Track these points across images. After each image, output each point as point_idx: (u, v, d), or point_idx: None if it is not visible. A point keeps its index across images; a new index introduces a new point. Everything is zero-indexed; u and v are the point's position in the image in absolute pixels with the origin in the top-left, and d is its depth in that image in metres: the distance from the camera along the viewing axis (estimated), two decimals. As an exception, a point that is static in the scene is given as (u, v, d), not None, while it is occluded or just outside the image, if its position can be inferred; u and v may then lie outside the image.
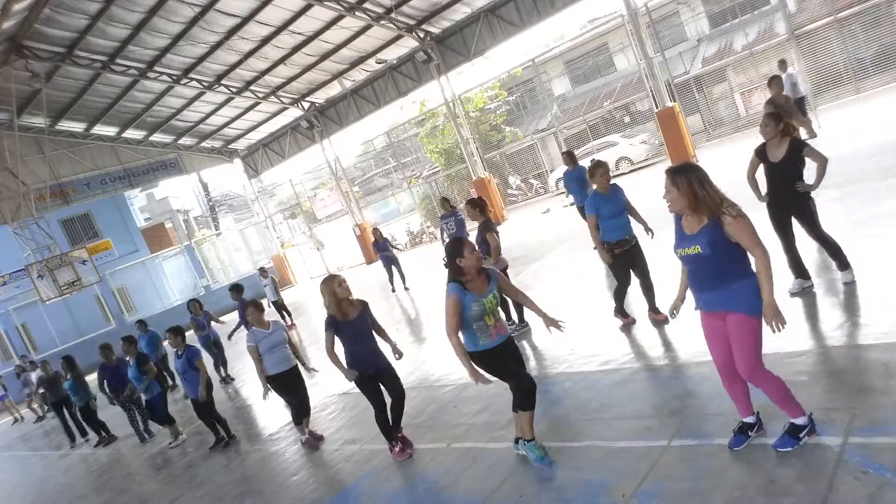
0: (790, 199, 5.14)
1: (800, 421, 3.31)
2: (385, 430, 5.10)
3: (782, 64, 13.87)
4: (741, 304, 3.25)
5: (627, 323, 6.17)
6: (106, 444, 9.94)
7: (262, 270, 15.86)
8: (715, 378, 4.42)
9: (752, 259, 3.24)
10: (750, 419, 3.57)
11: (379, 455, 5.29)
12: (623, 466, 3.77)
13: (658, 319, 5.91)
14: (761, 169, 5.27)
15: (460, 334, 4.08)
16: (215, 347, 11.13)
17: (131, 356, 8.43)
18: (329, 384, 7.87)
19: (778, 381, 3.31)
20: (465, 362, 4.00)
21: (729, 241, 3.19)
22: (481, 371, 4.08)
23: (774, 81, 7.61)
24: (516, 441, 4.34)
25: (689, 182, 3.20)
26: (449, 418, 5.52)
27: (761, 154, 5.19)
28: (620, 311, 6.20)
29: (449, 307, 4.00)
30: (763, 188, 5.31)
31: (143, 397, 8.51)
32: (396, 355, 5.19)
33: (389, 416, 5.11)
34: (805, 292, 5.28)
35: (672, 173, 3.29)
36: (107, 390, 9.28)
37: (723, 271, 3.25)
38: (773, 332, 3.20)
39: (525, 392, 4.07)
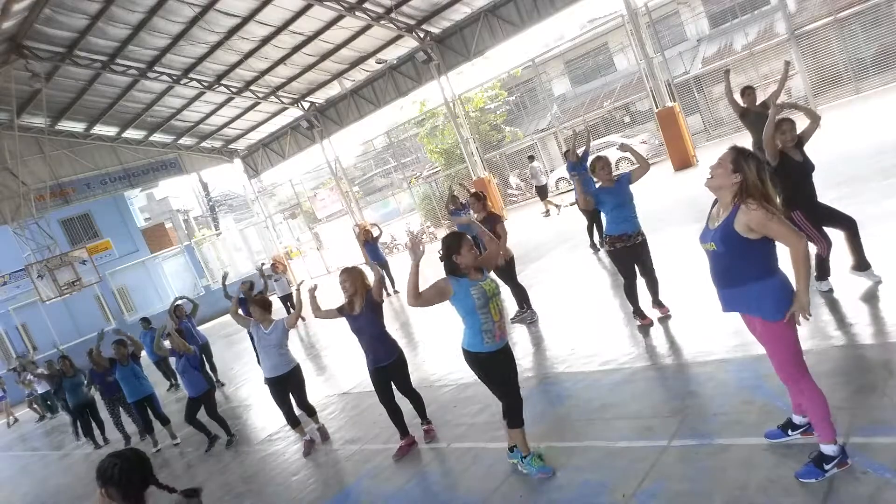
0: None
1: (828, 450, 3.00)
2: (397, 424, 5.14)
3: (531, 158, 14.41)
4: (760, 307, 3.01)
5: (645, 324, 5.95)
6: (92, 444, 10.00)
7: (274, 266, 15.79)
8: (715, 378, 4.44)
9: (779, 256, 3.00)
10: (799, 419, 3.35)
11: (379, 455, 5.29)
12: (623, 466, 3.76)
13: (662, 313, 5.98)
14: None
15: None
16: (204, 353, 10.61)
17: (122, 360, 8.28)
18: (329, 384, 7.87)
19: (818, 396, 3.04)
20: (414, 273, 3.87)
21: (744, 239, 2.95)
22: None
23: (747, 92, 7.70)
24: (510, 449, 4.26)
25: (745, 167, 2.93)
26: (449, 418, 5.51)
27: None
28: (638, 311, 6.01)
29: (434, 284, 3.90)
30: None
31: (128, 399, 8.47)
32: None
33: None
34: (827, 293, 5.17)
35: (735, 152, 3.00)
36: (96, 395, 9.34)
37: (740, 270, 3.02)
38: (797, 323, 2.98)
39: (516, 408, 3.99)
